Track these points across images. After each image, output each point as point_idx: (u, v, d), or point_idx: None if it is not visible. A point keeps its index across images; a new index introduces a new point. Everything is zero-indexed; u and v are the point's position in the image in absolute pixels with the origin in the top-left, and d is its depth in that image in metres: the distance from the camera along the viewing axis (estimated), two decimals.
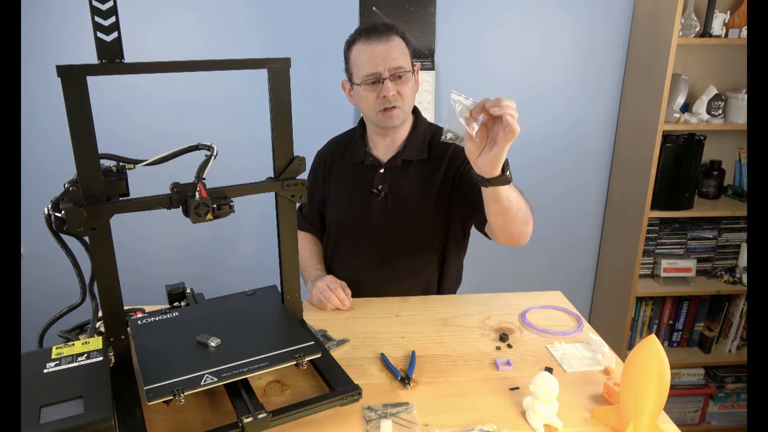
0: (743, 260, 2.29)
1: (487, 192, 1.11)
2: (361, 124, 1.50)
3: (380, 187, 1.43)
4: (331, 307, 1.32)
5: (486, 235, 1.34)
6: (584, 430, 0.91)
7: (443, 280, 1.50)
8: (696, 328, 2.39)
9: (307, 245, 1.56)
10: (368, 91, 1.34)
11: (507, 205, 1.13)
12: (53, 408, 0.75)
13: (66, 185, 0.86)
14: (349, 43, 1.37)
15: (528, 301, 1.35)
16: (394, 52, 1.32)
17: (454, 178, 1.40)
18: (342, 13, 2.11)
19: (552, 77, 2.26)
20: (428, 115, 2.12)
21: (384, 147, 1.45)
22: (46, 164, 2.16)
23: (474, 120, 0.98)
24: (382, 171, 1.44)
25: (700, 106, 2.14)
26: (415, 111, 1.48)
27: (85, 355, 0.86)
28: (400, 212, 1.42)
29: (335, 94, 2.20)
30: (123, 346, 0.97)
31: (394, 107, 1.34)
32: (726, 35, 2.04)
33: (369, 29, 1.33)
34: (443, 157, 1.41)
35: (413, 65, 1.38)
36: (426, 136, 1.44)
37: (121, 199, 0.91)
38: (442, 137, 1.03)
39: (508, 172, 1.06)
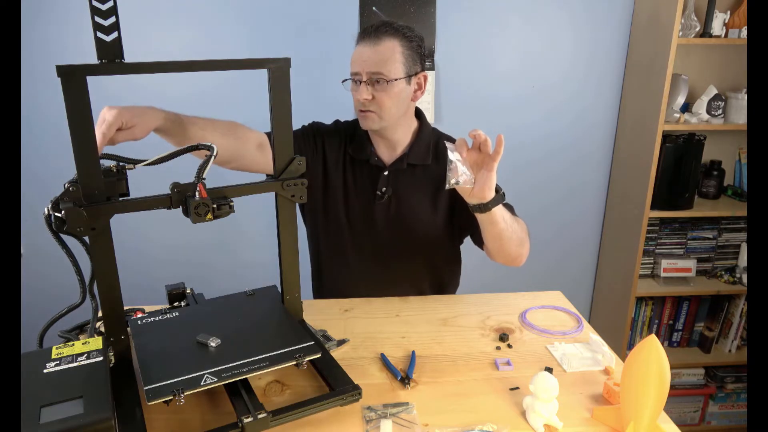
0: (743, 260, 2.29)
1: (484, 217, 1.18)
2: None
3: (384, 189, 1.42)
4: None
5: (483, 250, 1.37)
6: (584, 430, 0.91)
7: (442, 284, 1.50)
8: (696, 328, 2.39)
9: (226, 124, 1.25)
10: (352, 89, 1.35)
11: (503, 226, 1.20)
12: (53, 408, 0.75)
13: (66, 185, 0.86)
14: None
15: (528, 301, 1.35)
16: (378, 56, 1.28)
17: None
18: (342, 13, 2.12)
19: (552, 77, 2.26)
20: (428, 115, 2.12)
21: (385, 149, 1.44)
22: (47, 164, 2.17)
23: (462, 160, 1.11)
24: (386, 173, 1.42)
25: (700, 106, 2.14)
26: (420, 116, 1.46)
27: (85, 355, 0.86)
28: (403, 216, 1.41)
29: (335, 94, 2.19)
30: (123, 346, 0.97)
31: (368, 111, 1.32)
32: (726, 35, 2.04)
33: (366, 29, 1.33)
34: None
35: (411, 73, 1.32)
36: (431, 141, 1.43)
37: (121, 199, 0.91)
38: (448, 186, 1.11)
39: (502, 191, 1.16)
